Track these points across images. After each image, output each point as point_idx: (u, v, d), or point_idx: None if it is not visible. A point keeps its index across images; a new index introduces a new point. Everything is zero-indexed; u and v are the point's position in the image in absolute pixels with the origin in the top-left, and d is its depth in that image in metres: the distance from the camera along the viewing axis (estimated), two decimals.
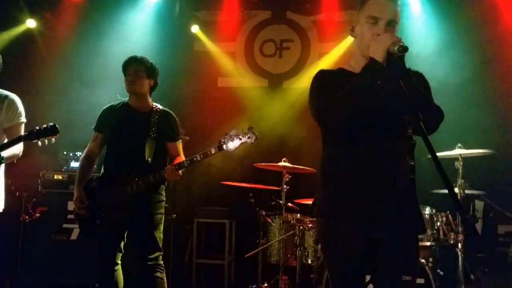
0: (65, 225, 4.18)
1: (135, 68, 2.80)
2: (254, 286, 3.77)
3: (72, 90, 4.80)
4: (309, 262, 3.56)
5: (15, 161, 2.81)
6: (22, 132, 2.76)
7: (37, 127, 2.54)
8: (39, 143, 2.52)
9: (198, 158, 2.70)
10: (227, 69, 5.22)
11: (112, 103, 2.97)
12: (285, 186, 3.68)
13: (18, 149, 2.72)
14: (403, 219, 1.67)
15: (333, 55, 4.97)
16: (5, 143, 2.63)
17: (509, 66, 4.39)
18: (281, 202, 3.70)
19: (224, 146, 2.67)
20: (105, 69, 4.59)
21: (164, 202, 2.90)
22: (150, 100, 2.93)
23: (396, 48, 1.58)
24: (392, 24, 1.75)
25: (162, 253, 2.81)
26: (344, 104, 1.69)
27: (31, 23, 5.08)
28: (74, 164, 4.43)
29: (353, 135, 1.76)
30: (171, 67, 4.63)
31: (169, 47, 5.00)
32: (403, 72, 1.59)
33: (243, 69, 5.24)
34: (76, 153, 4.44)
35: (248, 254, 3.68)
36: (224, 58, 5.22)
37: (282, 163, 3.66)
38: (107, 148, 2.93)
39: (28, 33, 5.09)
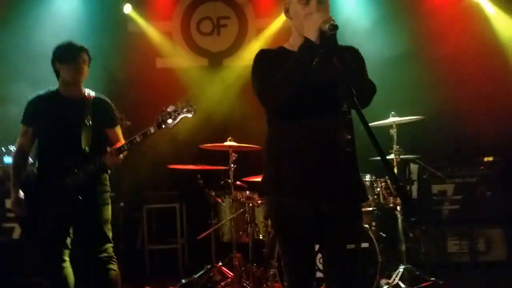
0: (5, 225, 3.96)
1: (83, 57, 2.66)
2: (209, 266, 3.80)
3: None
4: (261, 237, 3.64)
5: None
6: None
7: None
8: None
9: (138, 139, 2.62)
10: (165, 50, 5.07)
11: (39, 93, 2.76)
12: (232, 165, 3.70)
13: None
14: (346, 191, 1.76)
15: (270, 30, 4.98)
16: None
17: (440, 39, 4.65)
18: (229, 181, 3.72)
19: (163, 124, 2.61)
20: (30, 58, 4.28)
21: (109, 192, 2.80)
22: (82, 87, 2.78)
23: (327, 26, 1.61)
24: (323, 1, 1.78)
25: (112, 245, 2.73)
26: (283, 84, 1.72)
27: None
28: (9, 160, 4.16)
29: (293, 113, 1.80)
30: (105, 51, 4.41)
31: (101, 30, 4.74)
32: (335, 50, 1.63)
33: (181, 49, 5.11)
34: (9, 146, 4.16)
35: (201, 236, 3.69)
36: (161, 38, 5.05)
37: (228, 143, 3.66)
38: (40, 141, 2.75)
39: None
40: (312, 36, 1.65)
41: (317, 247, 1.95)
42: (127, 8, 4.93)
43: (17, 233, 3.94)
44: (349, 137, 1.67)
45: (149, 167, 4.66)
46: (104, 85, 3.99)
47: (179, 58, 5.09)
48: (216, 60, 5.08)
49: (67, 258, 2.73)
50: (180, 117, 2.62)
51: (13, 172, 2.71)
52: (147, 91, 4.85)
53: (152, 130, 2.61)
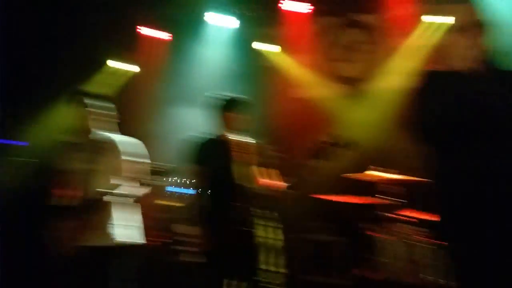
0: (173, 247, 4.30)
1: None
2: None
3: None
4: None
5: None
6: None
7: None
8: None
9: (305, 176, 2.74)
10: (301, 80, 5.19)
11: (203, 136, 3.02)
12: (388, 197, 3.56)
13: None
14: None
15: (406, 48, 4.75)
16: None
17: None
18: (391, 215, 3.56)
19: (315, 155, 2.66)
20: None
21: (279, 227, 2.98)
22: None
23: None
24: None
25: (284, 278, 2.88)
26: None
27: (112, 63, 5.45)
28: (175, 189, 4.72)
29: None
30: (243, 86, 4.69)
31: (240, 67, 5.12)
32: None
33: (317, 78, 5.17)
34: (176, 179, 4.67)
35: (359, 272, 3.59)
36: (296, 70, 5.20)
37: (395, 176, 3.53)
38: (208, 180, 2.96)
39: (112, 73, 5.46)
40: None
41: None
42: (265, 45, 5.22)
43: (186, 256, 4.29)
44: None
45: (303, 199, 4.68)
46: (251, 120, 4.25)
47: (315, 88, 5.16)
48: (354, 85, 5.03)
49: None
50: (332, 149, 2.65)
51: (189, 210, 3.06)
52: (285, 123, 5.03)
53: (303, 162, 2.69)
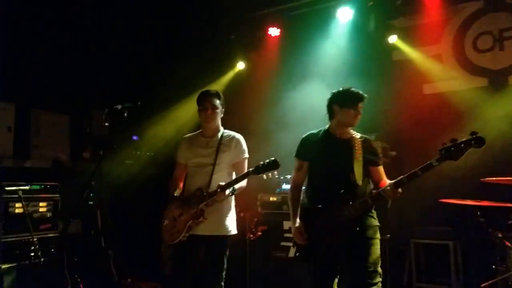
0: (282, 243, 4.43)
1: (361, 105, 2.81)
2: None
3: (275, 125, 5.11)
4: None
5: None
6: (246, 166, 3.14)
7: (262, 162, 2.90)
8: (264, 176, 2.81)
9: (419, 172, 2.46)
10: (433, 74, 4.77)
11: (312, 131, 2.98)
12: None
13: (244, 182, 3.08)
14: None
15: None
16: (238, 177, 2.99)
17: None
18: None
19: (448, 155, 2.37)
20: (307, 98, 4.77)
21: (378, 226, 2.77)
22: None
23: None
24: None
25: (381, 278, 2.64)
26: None
27: (241, 65, 5.77)
28: (286, 186, 4.71)
29: None
30: (370, 83, 4.48)
31: (367, 62, 4.89)
32: None
33: (453, 71, 4.70)
34: (287, 176, 4.70)
35: (486, 284, 3.13)
36: (428, 63, 4.80)
37: None
38: (312, 175, 2.93)
39: (239, 75, 5.77)
40: None
41: None
42: (393, 38, 4.93)
43: (292, 252, 4.35)
44: None
45: (417, 200, 4.38)
46: (371, 117, 4.04)
47: (450, 81, 4.69)
48: (498, 78, 4.41)
49: (336, 287, 2.81)
50: (467, 148, 2.35)
51: (292, 205, 2.95)
52: (414, 119, 4.65)
53: (435, 163, 2.42)
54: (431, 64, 4.79)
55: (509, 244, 3.23)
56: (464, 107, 4.42)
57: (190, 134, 3.37)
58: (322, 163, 2.85)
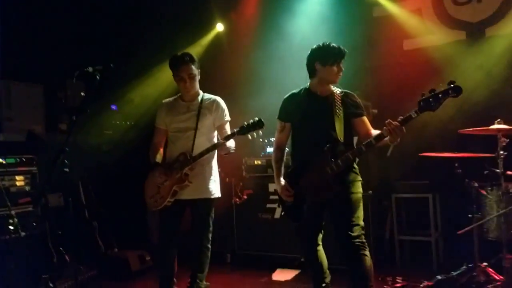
0: (268, 205, 4.52)
1: (342, 62, 2.77)
2: (470, 265, 3.34)
3: (256, 84, 5.07)
4: None
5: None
6: (229, 128, 3.11)
7: (246, 123, 2.88)
8: (249, 136, 2.82)
9: (398, 124, 2.42)
10: (413, 30, 4.74)
11: (293, 91, 2.96)
12: (501, 152, 3.12)
13: (232, 143, 3.07)
14: None
15: None
16: (228, 136, 2.97)
17: None
18: (497, 170, 3.16)
19: (426, 105, 2.38)
20: (288, 58, 4.71)
21: (360, 181, 2.82)
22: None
23: None
24: None
25: (364, 232, 2.72)
26: None
27: (220, 27, 5.62)
28: (270, 149, 4.74)
29: None
30: (352, 39, 4.45)
31: (347, 19, 4.82)
32: None
33: (433, 25, 4.67)
34: (271, 139, 4.71)
35: (462, 231, 3.26)
36: (408, 17, 4.76)
37: (496, 126, 3.10)
38: (295, 135, 2.95)
39: (218, 36, 5.63)
40: None
41: None
42: None
43: (278, 213, 4.45)
44: None
45: (396, 155, 4.46)
46: (352, 74, 4.03)
47: (430, 36, 4.67)
48: (476, 31, 4.41)
49: (320, 242, 2.90)
50: (445, 98, 2.36)
51: (275, 165, 2.97)
52: (395, 76, 4.66)
53: (414, 115, 2.42)
54: (411, 19, 4.75)
55: (484, 193, 3.34)
56: (443, 62, 4.43)
57: (169, 99, 3.31)
58: (304, 123, 2.85)
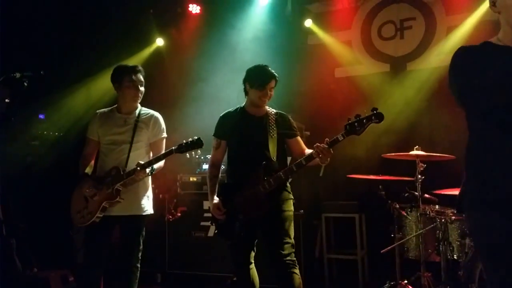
0: (202, 223, 4.48)
1: (272, 85, 2.86)
2: (392, 283, 3.56)
3: (194, 101, 5.08)
4: (455, 257, 3.23)
5: None
6: (164, 146, 3.08)
7: (185, 141, 2.84)
8: (187, 155, 2.77)
9: (326, 146, 2.57)
10: (344, 59, 5.08)
11: (229, 110, 3.03)
12: (419, 176, 3.40)
13: (162, 162, 3.00)
14: None
15: (464, 27, 4.46)
16: (160, 156, 2.90)
17: None
18: (416, 193, 3.43)
19: (352, 130, 2.53)
20: (225, 76, 4.80)
21: (292, 200, 2.90)
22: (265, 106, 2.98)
23: None
24: None
25: (294, 250, 2.79)
26: (501, 84, 1.49)
27: (160, 41, 5.60)
28: (206, 166, 4.72)
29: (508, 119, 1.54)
30: (287, 65, 4.66)
31: (284, 45, 5.04)
32: None
33: (361, 56, 5.04)
34: (207, 156, 4.70)
35: (385, 250, 3.48)
36: (340, 48, 5.09)
37: (414, 152, 3.38)
38: (230, 153, 3.00)
39: (158, 51, 5.60)
40: None
41: None
42: (308, 22, 5.13)
43: (212, 231, 4.43)
44: None
45: (327, 176, 4.68)
46: (286, 97, 4.20)
47: (358, 66, 5.03)
48: (399, 64, 4.83)
49: (252, 261, 2.92)
50: (368, 123, 2.52)
51: (210, 182, 2.98)
52: (327, 102, 4.92)
53: (340, 138, 2.56)
54: (342, 49, 5.08)
55: (404, 214, 3.60)
56: (370, 90, 4.79)
57: (104, 110, 3.19)
58: (239, 141, 2.91)
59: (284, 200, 2.84)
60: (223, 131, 2.99)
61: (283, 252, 2.71)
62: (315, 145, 2.61)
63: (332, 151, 2.59)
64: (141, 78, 3.04)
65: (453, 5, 4.58)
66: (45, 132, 5.00)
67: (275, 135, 2.85)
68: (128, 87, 3.01)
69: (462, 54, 1.68)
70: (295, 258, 2.76)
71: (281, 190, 2.84)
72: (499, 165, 1.57)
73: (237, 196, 2.82)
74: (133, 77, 3.00)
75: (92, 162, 3.13)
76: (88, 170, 3.09)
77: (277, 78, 2.87)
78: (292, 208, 2.87)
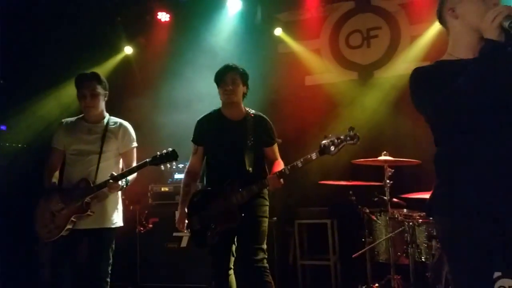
0: (175, 234, 4.40)
1: (232, 76, 2.81)
2: (364, 287, 3.62)
3: (165, 109, 5.05)
4: (423, 259, 3.32)
5: None
6: (135, 156, 3.02)
7: (159, 153, 2.79)
8: (162, 167, 2.76)
9: (299, 164, 2.62)
10: (313, 67, 5.16)
11: (207, 113, 2.99)
12: (388, 181, 3.48)
13: (134, 175, 2.95)
14: None
15: (427, 36, 4.62)
16: (133, 168, 2.85)
17: None
18: (385, 198, 3.51)
19: (326, 150, 2.56)
20: (196, 84, 4.79)
21: (268, 206, 2.89)
22: (243, 107, 2.94)
23: (507, 23, 1.42)
24: None
25: (266, 256, 2.78)
26: (466, 94, 1.54)
27: (128, 49, 5.53)
28: (178, 176, 4.68)
29: (475, 126, 1.60)
30: (258, 73, 4.67)
31: (254, 53, 5.06)
32: None
33: (330, 65, 5.13)
34: (179, 165, 4.66)
35: (356, 254, 3.54)
36: (309, 56, 5.17)
37: (382, 157, 3.47)
38: (208, 159, 2.97)
39: (126, 59, 5.54)
40: (493, 34, 1.46)
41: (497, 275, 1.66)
42: (278, 31, 5.19)
43: (185, 242, 4.38)
44: None
45: (300, 183, 4.72)
46: (258, 105, 4.20)
47: (328, 74, 5.12)
48: (366, 72, 4.95)
49: (232, 266, 2.88)
50: (343, 145, 2.55)
51: (183, 190, 2.95)
52: (298, 109, 4.98)
53: (314, 156, 2.58)
54: (311, 57, 5.17)
55: (374, 218, 3.67)
56: (339, 98, 4.88)
57: (70, 119, 3.11)
58: (215, 148, 2.87)
59: (258, 205, 2.82)
60: (200, 137, 2.95)
61: (255, 257, 2.70)
62: (269, 177, 2.66)
63: (282, 182, 2.65)
64: (92, 86, 2.93)
65: (416, 15, 4.74)
66: (7, 144, 4.82)
67: (252, 143, 2.81)
68: (78, 96, 2.96)
69: (417, 75, 1.73)
70: (267, 265, 2.75)
71: (256, 196, 2.81)
72: (466, 172, 1.62)
73: (210, 205, 2.79)
74: (81, 88, 2.93)
75: (57, 173, 3.05)
76: (54, 181, 2.99)
77: (239, 70, 2.83)
78: (266, 214, 2.85)
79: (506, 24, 1.43)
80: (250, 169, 2.77)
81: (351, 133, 2.55)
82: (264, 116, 2.97)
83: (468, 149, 1.63)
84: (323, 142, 2.56)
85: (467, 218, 1.59)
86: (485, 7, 1.58)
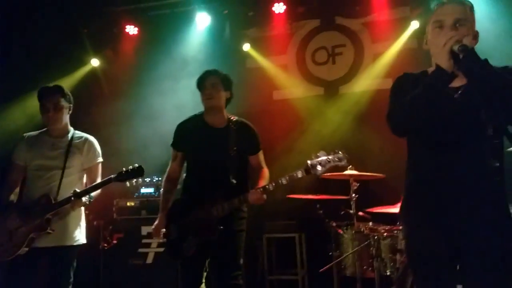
0: (140, 250, 4.31)
1: (212, 81, 2.74)
2: None
3: (133, 122, 4.99)
4: (388, 273, 3.38)
5: None
6: (100, 171, 2.94)
7: (124, 169, 2.70)
8: (127, 183, 2.69)
9: (284, 181, 2.57)
10: (281, 82, 5.24)
11: (188, 117, 2.86)
12: (353, 195, 3.55)
13: (99, 190, 2.86)
14: (490, 226, 1.58)
15: (389, 54, 4.81)
16: (97, 184, 2.76)
17: None
18: (351, 211, 3.57)
19: (312, 170, 2.52)
20: (164, 97, 4.76)
21: (245, 218, 2.81)
22: (225, 113, 2.86)
23: (456, 47, 1.51)
24: (460, 22, 1.67)
25: (241, 273, 2.68)
26: (407, 110, 1.65)
27: (95, 62, 5.43)
28: (144, 190, 4.59)
29: (429, 139, 1.70)
30: None
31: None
32: (474, 73, 1.52)
33: (296, 80, 5.23)
34: (145, 179, 4.57)
35: (323, 269, 3.56)
36: (277, 71, 5.25)
37: (348, 171, 3.54)
38: (188, 166, 2.86)
39: (93, 71, 5.44)
40: (443, 62, 1.54)
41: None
42: (246, 46, 5.25)
43: (150, 258, 4.28)
44: (497, 164, 1.50)
45: (269, 196, 4.70)
46: None
47: (295, 89, 5.21)
48: (332, 88, 5.07)
49: (204, 281, 2.77)
50: (330, 165, 2.53)
51: (162, 197, 2.84)
52: (266, 123, 4.98)
53: (299, 174, 2.54)
54: (279, 72, 5.25)
55: (341, 232, 3.72)
56: (306, 113, 4.97)
57: (32, 133, 3.00)
58: (196, 156, 2.78)
59: (237, 219, 2.73)
60: (181, 142, 2.84)
61: (230, 274, 2.62)
62: (251, 192, 2.59)
63: (265, 197, 2.60)
64: (56, 99, 2.84)
65: (378, 34, 4.94)
66: None
67: (235, 152, 2.71)
68: (42, 112, 2.87)
69: (399, 80, 1.84)
70: (241, 282, 2.66)
71: (235, 210, 2.70)
72: (421, 182, 1.72)
73: (189, 215, 2.69)
74: (47, 99, 2.84)
75: (17, 190, 2.92)
76: (13, 198, 2.87)
77: (219, 75, 2.77)
78: (244, 227, 2.77)
79: (455, 48, 1.51)
80: (234, 181, 2.67)
81: (340, 154, 2.54)
82: (248, 122, 2.88)
83: (419, 162, 1.73)
84: (310, 161, 2.52)
85: (423, 226, 1.67)
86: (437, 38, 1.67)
